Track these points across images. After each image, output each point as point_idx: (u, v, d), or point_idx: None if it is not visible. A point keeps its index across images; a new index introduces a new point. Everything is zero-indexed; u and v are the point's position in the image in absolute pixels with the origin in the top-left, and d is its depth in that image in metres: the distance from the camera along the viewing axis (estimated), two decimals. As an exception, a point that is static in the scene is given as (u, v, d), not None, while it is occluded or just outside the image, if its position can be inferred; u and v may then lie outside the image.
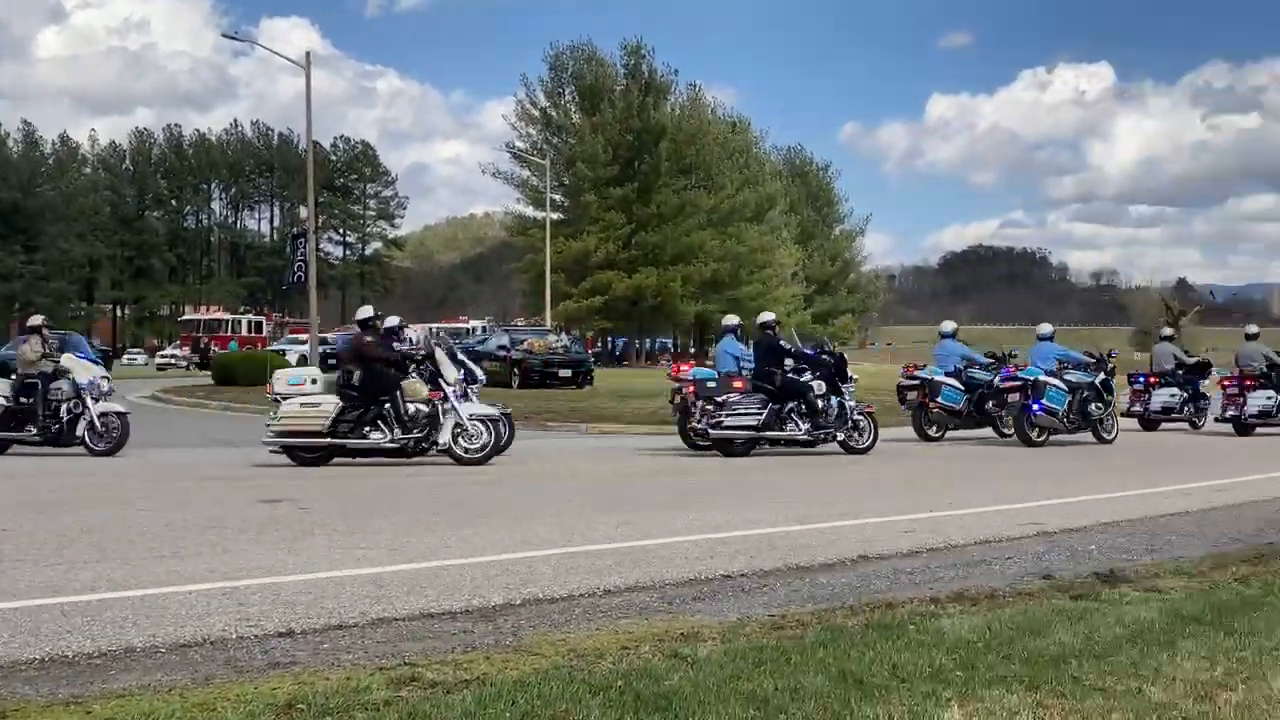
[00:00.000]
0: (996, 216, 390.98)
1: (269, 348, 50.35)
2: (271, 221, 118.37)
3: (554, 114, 65.20)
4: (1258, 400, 22.10)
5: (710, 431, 16.28)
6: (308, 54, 37.18)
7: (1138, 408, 23.51)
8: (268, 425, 14.53)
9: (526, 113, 64.81)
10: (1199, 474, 14.50)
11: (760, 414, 16.35)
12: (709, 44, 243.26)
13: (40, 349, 16.23)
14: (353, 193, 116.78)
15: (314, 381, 14.74)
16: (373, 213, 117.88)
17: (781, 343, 17.55)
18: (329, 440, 14.31)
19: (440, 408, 14.52)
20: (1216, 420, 22.74)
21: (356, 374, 14.54)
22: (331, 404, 14.30)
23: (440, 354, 15.13)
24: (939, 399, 19.57)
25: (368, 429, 14.42)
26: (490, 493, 11.60)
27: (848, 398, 17.08)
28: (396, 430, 14.43)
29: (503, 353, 33.56)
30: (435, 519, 9.49)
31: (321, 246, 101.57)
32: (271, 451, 14.57)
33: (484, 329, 63.48)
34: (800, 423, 16.65)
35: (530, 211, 64.78)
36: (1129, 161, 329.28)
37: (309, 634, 5.65)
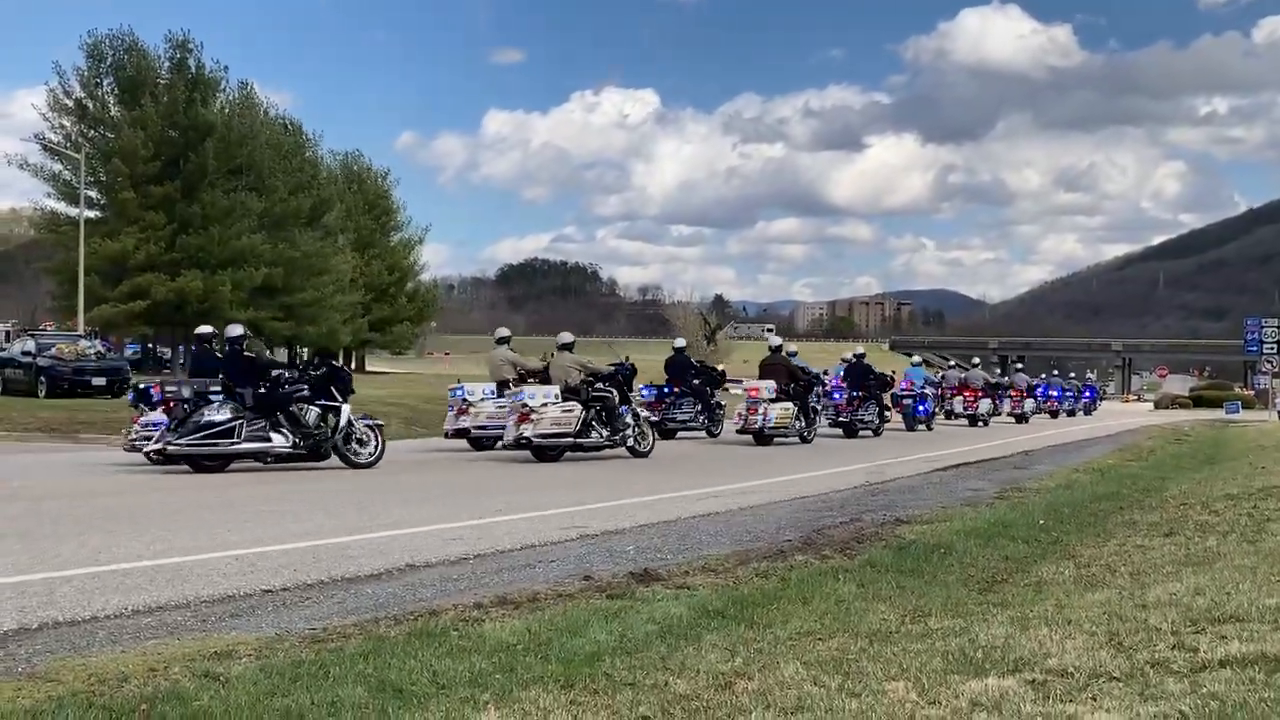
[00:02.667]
0: (549, 231, 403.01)
1: None
2: None
3: (91, 105, 60.76)
4: (984, 405, 35.33)
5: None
6: None
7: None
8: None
9: (60, 103, 59.91)
10: (772, 472, 15.51)
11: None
12: (261, 44, 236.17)
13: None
14: None
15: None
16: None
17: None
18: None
19: None
20: (956, 417, 35.13)
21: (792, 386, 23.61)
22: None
23: None
24: None
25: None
26: (5, 510, 10.63)
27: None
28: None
29: (28, 359, 30.98)
30: (-60, 540, 8.62)
31: None
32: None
33: (7, 334, 58.39)
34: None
35: (63, 208, 60.10)
36: (670, 184, 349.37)
37: None
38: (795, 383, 23.70)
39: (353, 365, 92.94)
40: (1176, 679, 4.83)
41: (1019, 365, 47.33)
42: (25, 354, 31.67)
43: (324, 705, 4.45)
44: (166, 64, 61.97)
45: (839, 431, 27.43)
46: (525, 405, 17.48)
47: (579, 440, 18.07)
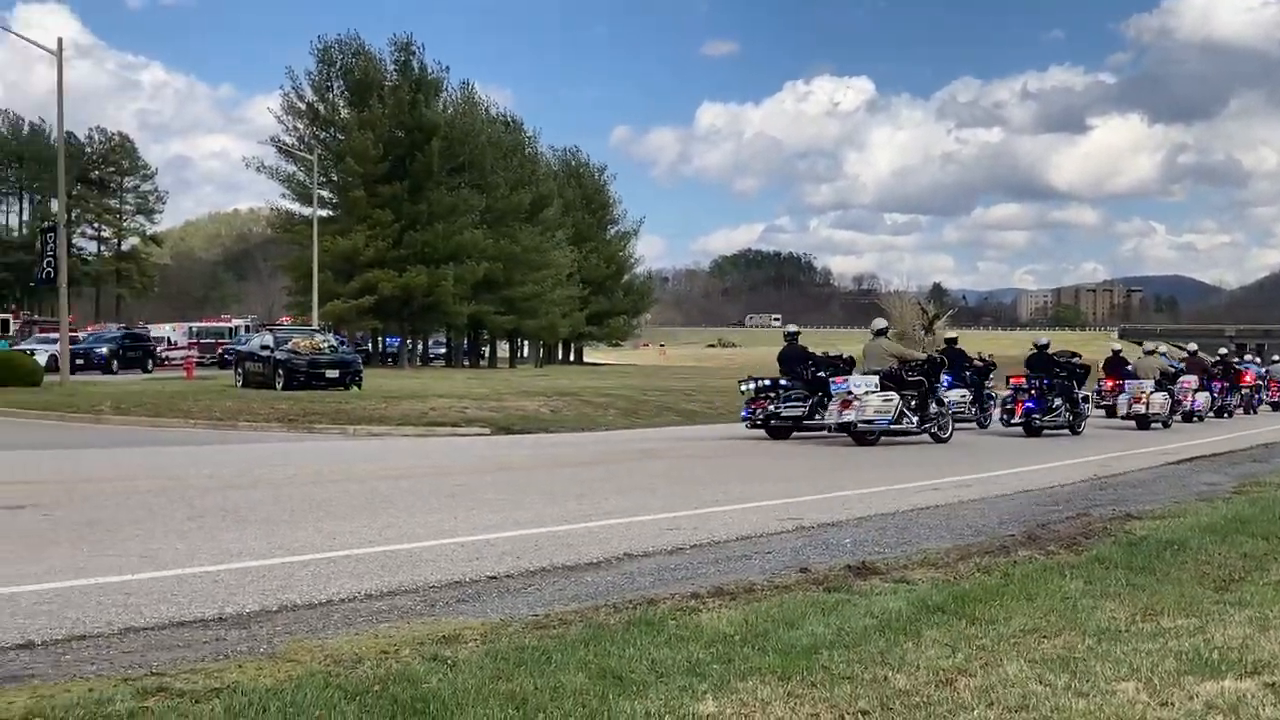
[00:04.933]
0: (762, 221, 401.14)
1: (18, 347, 47.61)
2: (20, 215, 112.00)
3: (322, 109, 63.65)
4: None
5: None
6: (59, 40, 35.47)
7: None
8: None
9: (293, 107, 63.11)
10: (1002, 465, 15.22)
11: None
12: (482, 44, 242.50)
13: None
14: (109, 186, 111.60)
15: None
16: (130, 207, 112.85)
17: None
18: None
19: None
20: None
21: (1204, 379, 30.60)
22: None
23: None
24: None
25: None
26: (248, 498, 11.24)
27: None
28: None
29: (266, 353, 32.60)
30: (190, 525, 9.15)
31: (75, 242, 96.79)
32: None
33: (248, 328, 61.61)
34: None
35: (297, 208, 63.27)
36: (883, 171, 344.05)
37: (50, 645, 5.38)
38: (1207, 375, 31.28)
39: (570, 357, 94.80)
40: None
41: (1276, 358, 50.22)
42: (264, 348, 33.31)
43: (547, 690, 4.56)
44: (392, 66, 64.43)
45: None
46: (849, 393, 19.01)
47: (895, 426, 19.29)
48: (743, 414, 21.20)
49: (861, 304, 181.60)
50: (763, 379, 21.16)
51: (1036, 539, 9.02)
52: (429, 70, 65.32)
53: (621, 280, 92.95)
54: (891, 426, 19.18)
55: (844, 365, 21.39)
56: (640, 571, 7.58)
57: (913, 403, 19.70)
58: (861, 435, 19.06)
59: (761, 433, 20.73)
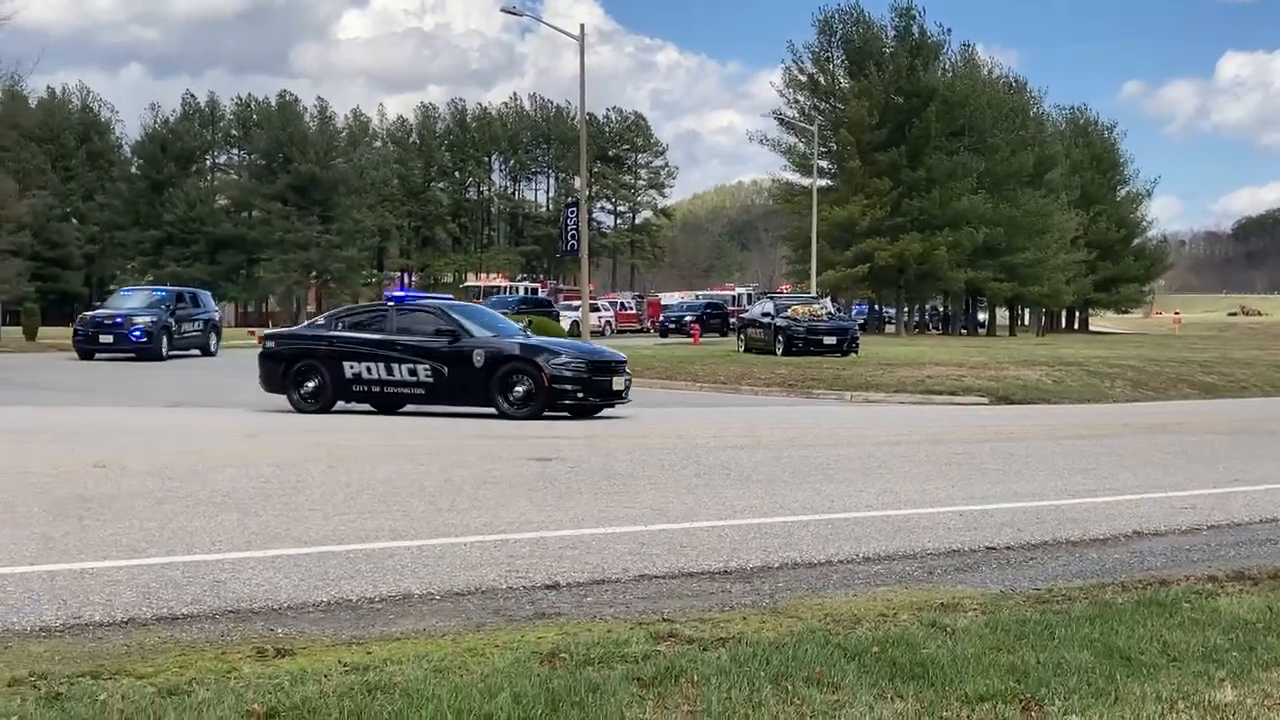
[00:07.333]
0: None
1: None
2: (548, 192, 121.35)
3: (821, 80, 64.42)
4: None
5: None
6: (581, 27, 38.21)
7: None
8: None
9: (794, 79, 64.28)
10: None
11: None
12: (987, 6, 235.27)
13: None
14: (624, 163, 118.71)
15: None
16: (643, 182, 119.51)
17: None
18: None
19: None
20: None
21: None
22: None
23: None
24: None
25: None
26: (750, 458, 11.67)
27: None
28: None
29: (767, 320, 33.55)
30: (696, 481, 9.63)
31: (594, 216, 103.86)
32: None
33: (749, 296, 63.77)
34: None
35: (796, 179, 64.35)
36: None
37: (573, 587, 5.88)
38: None
39: (1074, 325, 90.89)
40: None
41: None
42: (765, 315, 34.32)
43: (1049, 665, 4.45)
44: (891, 33, 64.16)
45: None
46: None
47: None
48: None
49: None
50: None
51: None
52: (929, 34, 64.49)
53: (1132, 244, 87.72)
54: None
55: None
56: (1151, 551, 7.22)
57: None
58: None
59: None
